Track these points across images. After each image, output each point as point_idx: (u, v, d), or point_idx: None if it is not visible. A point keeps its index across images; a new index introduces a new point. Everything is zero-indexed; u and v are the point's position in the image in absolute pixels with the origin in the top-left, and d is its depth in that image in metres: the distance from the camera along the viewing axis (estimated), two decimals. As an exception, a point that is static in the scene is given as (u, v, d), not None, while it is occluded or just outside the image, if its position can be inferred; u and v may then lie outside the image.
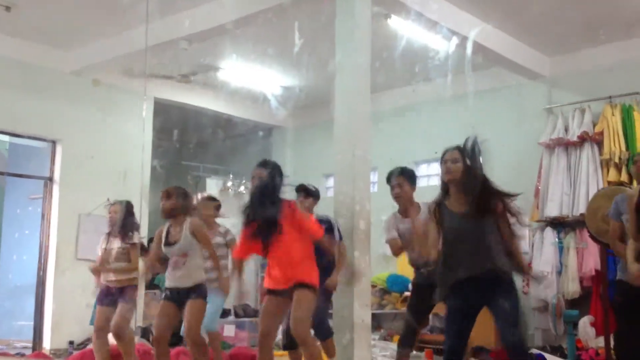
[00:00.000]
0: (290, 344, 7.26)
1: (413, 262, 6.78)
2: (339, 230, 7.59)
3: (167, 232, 7.08)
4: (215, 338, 8.38)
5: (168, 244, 7.01)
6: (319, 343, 7.22)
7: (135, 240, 8.09)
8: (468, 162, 5.35)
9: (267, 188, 6.22)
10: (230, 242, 8.17)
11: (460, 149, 5.43)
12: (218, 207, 8.45)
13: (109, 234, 8.21)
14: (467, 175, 5.35)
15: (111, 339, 8.27)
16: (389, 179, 6.80)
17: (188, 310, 6.90)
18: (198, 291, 6.95)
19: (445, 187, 5.52)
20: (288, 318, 6.46)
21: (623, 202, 6.25)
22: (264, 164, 6.44)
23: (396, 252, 6.78)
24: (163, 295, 7.12)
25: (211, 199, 8.59)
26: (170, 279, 7.00)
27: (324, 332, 7.45)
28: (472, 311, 5.45)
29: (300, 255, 6.16)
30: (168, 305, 6.99)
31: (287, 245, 6.09)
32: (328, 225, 7.38)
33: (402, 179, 6.73)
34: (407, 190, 6.72)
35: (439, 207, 5.52)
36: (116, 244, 8.07)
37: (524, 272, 5.62)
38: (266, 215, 6.11)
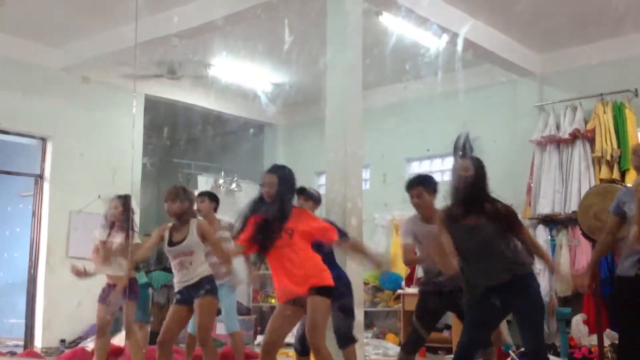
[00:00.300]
0: (303, 350, 7.22)
1: (426, 270, 6.69)
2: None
3: (171, 233, 7.05)
4: (239, 338, 8.25)
5: (172, 243, 6.98)
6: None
7: (138, 240, 8.01)
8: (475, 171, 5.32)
9: (281, 194, 6.11)
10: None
11: (473, 159, 5.39)
12: (217, 201, 8.40)
13: (110, 228, 8.14)
14: (475, 185, 5.33)
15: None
16: (408, 188, 6.70)
17: (197, 309, 6.84)
18: (206, 287, 6.90)
19: (455, 195, 5.47)
20: (303, 323, 6.38)
21: (626, 194, 6.14)
22: (276, 169, 6.24)
23: (407, 260, 6.72)
24: (174, 299, 7.10)
25: (209, 194, 8.52)
26: (178, 281, 6.98)
27: (343, 340, 7.33)
28: (494, 320, 5.56)
29: (309, 260, 6.00)
30: (179, 309, 6.96)
31: (295, 252, 5.92)
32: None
33: (421, 189, 6.61)
34: (427, 200, 6.60)
35: (447, 217, 5.50)
36: (118, 239, 8.00)
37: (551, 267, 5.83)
38: (276, 220, 6.01)
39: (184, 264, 6.90)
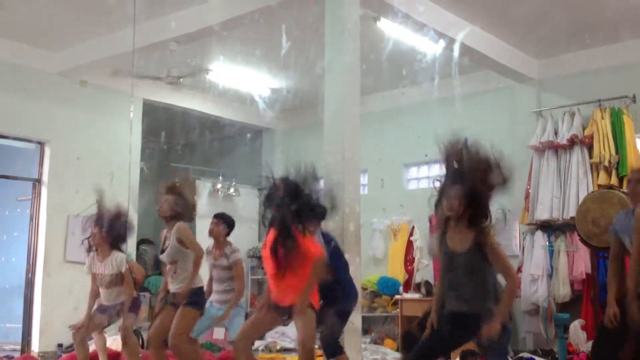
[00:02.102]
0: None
1: None
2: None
3: (165, 238, 7.09)
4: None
5: (162, 250, 7.03)
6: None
7: (123, 268, 7.87)
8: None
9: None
10: (234, 264, 7.96)
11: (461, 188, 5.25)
12: (231, 226, 8.25)
13: (89, 251, 8.05)
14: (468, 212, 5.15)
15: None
16: None
17: (176, 316, 6.91)
18: (190, 299, 6.95)
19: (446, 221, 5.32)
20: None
21: (624, 220, 6.05)
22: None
23: None
24: (166, 300, 7.19)
25: (222, 217, 8.29)
26: (170, 284, 7.07)
27: (332, 350, 7.34)
28: (453, 344, 5.51)
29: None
30: (168, 308, 7.05)
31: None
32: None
33: None
34: None
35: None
36: (106, 271, 7.92)
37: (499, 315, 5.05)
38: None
39: (170, 272, 6.96)
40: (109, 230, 7.89)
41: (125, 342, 7.90)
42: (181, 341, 6.94)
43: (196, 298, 7.02)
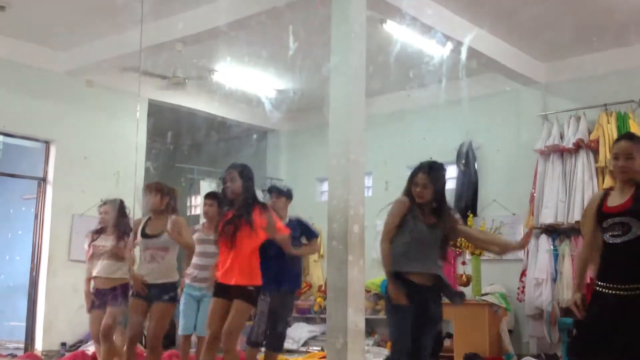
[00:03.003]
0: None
1: None
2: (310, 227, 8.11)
3: (146, 224, 7.09)
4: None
5: (146, 235, 7.00)
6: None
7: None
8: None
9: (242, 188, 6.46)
10: None
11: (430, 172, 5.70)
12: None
13: (99, 233, 8.14)
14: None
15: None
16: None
17: (153, 313, 6.89)
18: (168, 293, 6.93)
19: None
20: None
21: None
22: (235, 166, 6.59)
23: None
24: (132, 292, 7.14)
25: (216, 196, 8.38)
26: (143, 274, 7.01)
27: (275, 343, 7.53)
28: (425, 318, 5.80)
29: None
30: (138, 302, 7.01)
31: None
32: (301, 226, 7.96)
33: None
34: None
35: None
36: (109, 243, 7.98)
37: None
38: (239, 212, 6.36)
39: (155, 257, 6.95)
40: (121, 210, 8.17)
41: (105, 339, 7.72)
42: (159, 341, 7.02)
43: (175, 293, 7.19)
